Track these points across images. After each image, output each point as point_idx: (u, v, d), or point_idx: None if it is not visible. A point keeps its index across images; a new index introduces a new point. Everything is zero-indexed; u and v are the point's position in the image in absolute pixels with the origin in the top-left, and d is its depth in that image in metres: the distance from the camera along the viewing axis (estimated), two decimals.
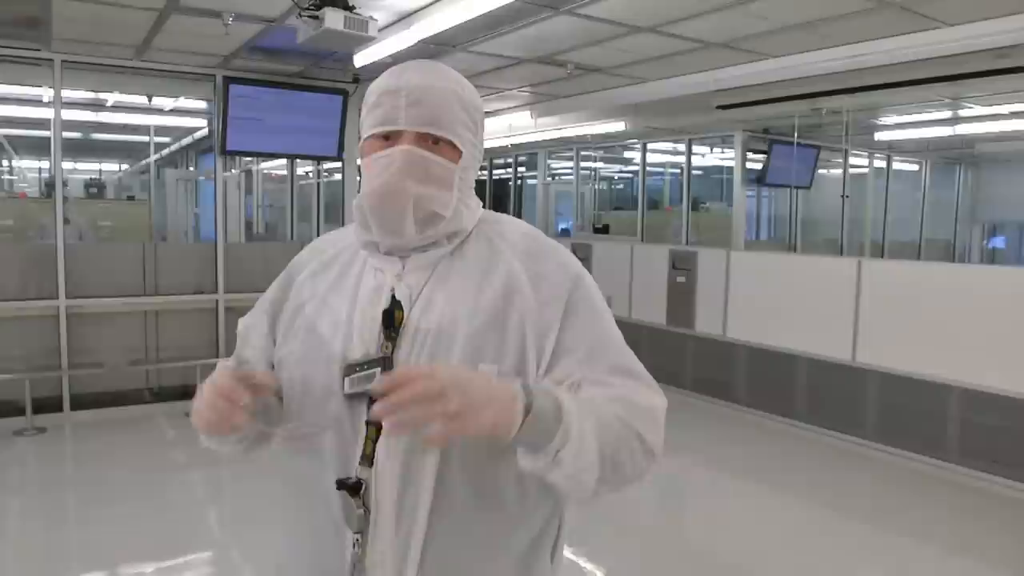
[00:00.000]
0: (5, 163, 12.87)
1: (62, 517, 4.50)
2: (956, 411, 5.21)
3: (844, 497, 4.97)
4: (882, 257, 10.31)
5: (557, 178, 12.84)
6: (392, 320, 1.20)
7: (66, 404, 6.05)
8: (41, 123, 6.78)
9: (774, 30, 4.79)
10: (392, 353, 1.19)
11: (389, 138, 1.21)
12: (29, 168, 12.91)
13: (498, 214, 1.36)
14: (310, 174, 8.88)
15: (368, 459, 1.16)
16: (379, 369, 1.16)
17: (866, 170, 11.27)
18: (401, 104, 1.19)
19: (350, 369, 1.19)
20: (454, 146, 1.22)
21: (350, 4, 3.66)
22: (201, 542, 4.19)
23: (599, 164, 12.33)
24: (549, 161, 12.34)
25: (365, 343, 1.21)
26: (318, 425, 1.22)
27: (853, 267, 5.92)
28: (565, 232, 11.92)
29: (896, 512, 4.71)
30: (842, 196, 10.18)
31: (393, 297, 1.23)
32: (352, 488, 1.16)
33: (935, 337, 5.31)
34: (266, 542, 3.86)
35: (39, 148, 10.09)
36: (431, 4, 4.39)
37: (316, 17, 3.63)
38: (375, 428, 1.16)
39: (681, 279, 7.41)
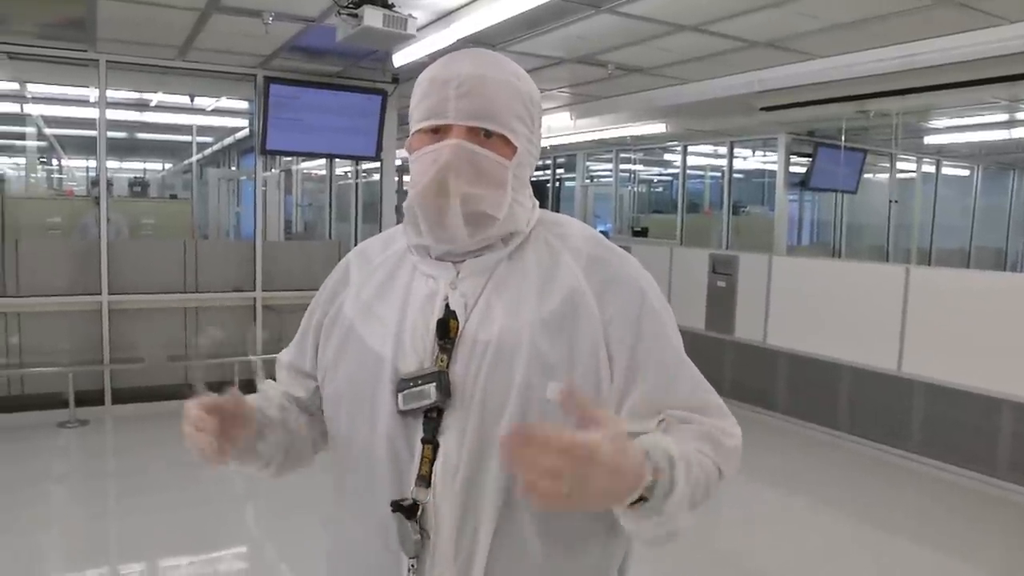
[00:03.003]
0: (55, 162, 13.17)
1: (103, 507, 4.60)
2: (1007, 425, 5.02)
3: (886, 512, 4.82)
4: (929, 264, 10.04)
5: (595, 180, 12.75)
6: (447, 331, 1.12)
7: (107, 398, 6.14)
8: (88, 123, 6.89)
9: (823, 29, 4.66)
10: (448, 366, 1.11)
11: (438, 132, 1.12)
12: (77, 167, 13.19)
13: (557, 215, 1.27)
14: (349, 174, 8.91)
15: (425, 480, 1.09)
16: (434, 384, 1.09)
17: (914, 175, 10.99)
18: (450, 95, 1.10)
19: (403, 384, 1.11)
20: (508, 141, 1.13)
21: (389, 2, 3.64)
22: (237, 536, 4.25)
23: (638, 166, 12.21)
24: (587, 163, 12.25)
25: (419, 356, 1.13)
26: (369, 444, 1.15)
27: (901, 274, 5.75)
28: (603, 235, 11.80)
29: (942, 529, 4.55)
30: (890, 201, 9.93)
31: (447, 306, 1.14)
32: (408, 510, 1.08)
33: (985, 348, 5.12)
34: (301, 538, 3.88)
35: (87, 148, 10.29)
36: (471, 2, 4.35)
37: (355, 15, 3.61)
38: (432, 447, 1.09)
39: (721, 284, 7.28)
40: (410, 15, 3.67)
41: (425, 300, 1.16)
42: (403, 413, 1.10)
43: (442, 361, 1.11)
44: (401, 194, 8.27)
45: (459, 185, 1.09)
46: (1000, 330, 5.06)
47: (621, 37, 5.09)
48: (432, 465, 1.09)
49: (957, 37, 4.64)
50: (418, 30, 3.85)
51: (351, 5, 3.67)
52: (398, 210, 7.30)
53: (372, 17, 3.53)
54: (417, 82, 1.17)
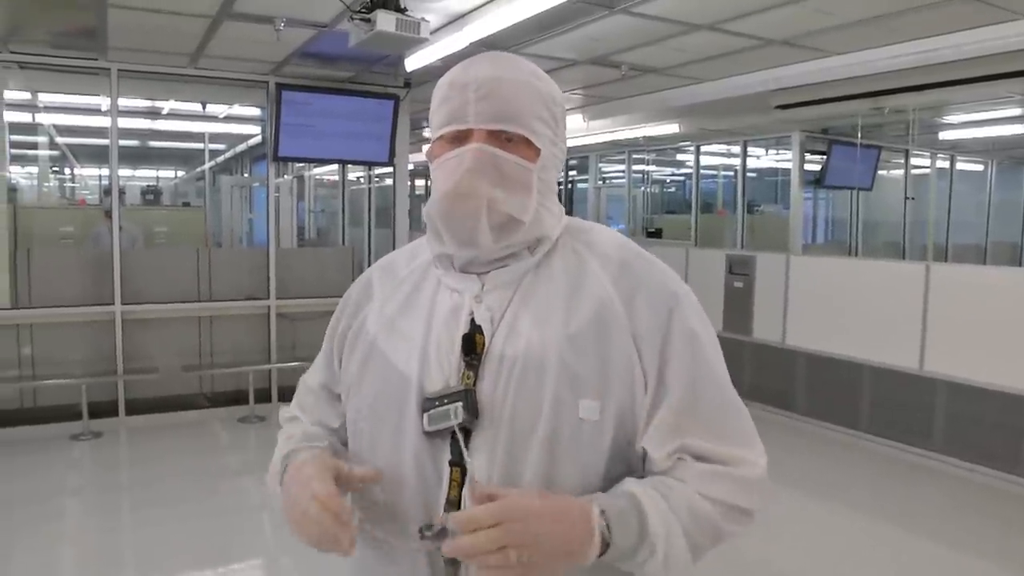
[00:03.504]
0: (67, 171, 13.22)
1: (118, 520, 4.55)
2: None
3: (908, 512, 4.75)
4: (945, 260, 9.93)
5: (608, 182, 12.69)
6: (473, 346, 1.07)
7: (121, 409, 6.11)
8: (100, 132, 6.90)
9: (839, 26, 4.60)
10: (475, 384, 1.06)
11: (459, 138, 1.08)
12: (90, 176, 13.24)
13: (586, 221, 1.22)
14: (361, 179, 8.89)
15: (454, 504, 1.04)
16: (461, 404, 1.04)
17: (928, 171, 10.89)
18: (470, 99, 1.07)
19: (429, 403, 1.06)
20: (530, 144, 1.09)
21: (402, 6, 3.61)
22: (254, 548, 4.19)
23: (651, 167, 12.15)
24: (600, 164, 12.20)
25: (444, 373, 1.08)
26: (394, 465, 1.10)
27: (921, 272, 5.67)
28: None
29: (965, 528, 4.48)
30: (906, 198, 9.84)
31: (472, 320, 1.10)
32: (437, 536, 1.02)
33: (1008, 345, 5.04)
34: (319, 551, 3.82)
35: (100, 156, 10.33)
36: (484, 5, 4.31)
37: (368, 20, 3.58)
38: (460, 469, 1.04)
39: (739, 284, 7.22)
40: (423, 19, 3.63)
41: (450, 314, 1.12)
42: (429, 434, 1.06)
43: (468, 378, 1.06)
44: (415, 199, 8.25)
45: (484, 189, 1.05)
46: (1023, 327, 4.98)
47: (635, 37, 5.05)
48: (461, 488, 1.04)
49: (972, 32, 4.60)
50: (431, 34, 3.82)
51: (363, 10, 3.63)
52: (411, 215, 7.27)
53: (385, 22, 3.49)
54: (436, 88, 1.13)
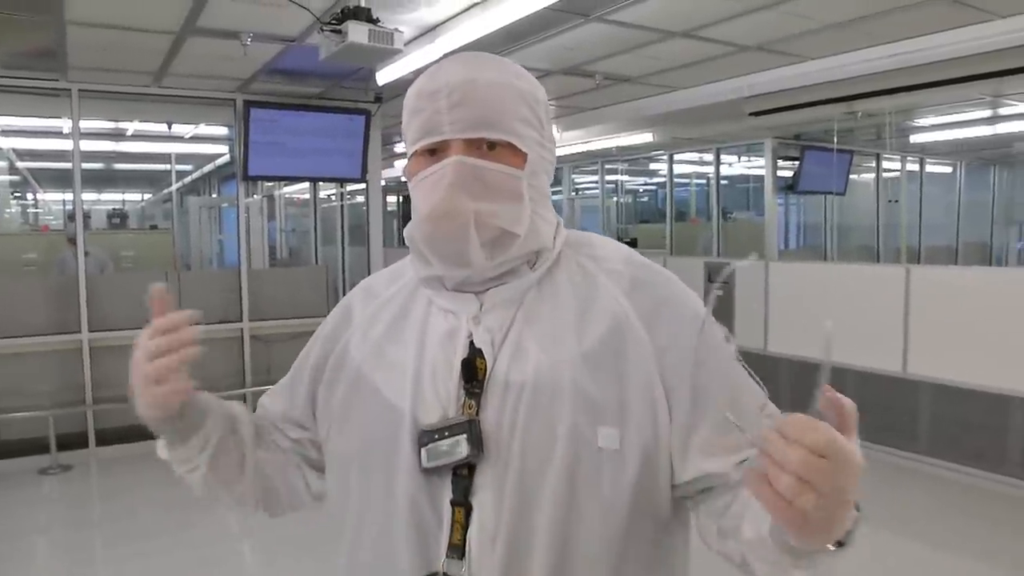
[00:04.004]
0: (30, 197, 12.94)
1: (91, 557, 4.38)
2: (1017, 423, 4.93)
3: (897, 515, 4.69)
4: (919, 262, 10.00)
5: (581, 192, 12.67)
6: (474, 372, 0.96)
7: (91, 440, 5.91)
8: (63, 155, 6.70)
9: (815, 30, 4.57)
10: (478, 414, 0.95)
11: (435, 152, 0.97)
12: (54, 201, 12.97)
13: (586, 233, 1.12)
14: (332, 197, 8.77)
15: (458, 549, 0.92)
16: (464, 436, 0.92)
17: (898, 174, 10.99)
18: (442, 107, 0.96)
19: (426, 437, 0.95)
20: (516, 149, 0.98)
21: (374, 17, 3.50)
22: None
23: (624, 177, 12.15)
24: (572, 175, 12.17)
25: (441, 403, 0.97)
26: (387, 509, 0.98)
27: (901, 274, 5.66)
28: None
29: (953, 529, 4.45)
30: (889, 201, 9.92)
31: (471, 343, 0.98)
32: None
33: (991, 345, 5.02)
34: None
35: (63, 180, 10.10)
36: (456, 15, 4.23)
37: (339, 31, 3.47)
38: (464, 510, 0.92)
39: (719, 292, 7.16)
40: (396, 30, 3.54)
41: (445, 338, 1.01)
42: (427, 471, 0.94)
43: (470, 408, 0.95)
44: (387, 215, 8.13)
45: (468, 205, 0.95)
46: (1005, 326, 4.97)
47: (610, 46, 4.99)
48: (465, 532, 0.92)
49: (947, 34, 4.61)
50: (404, 45, 3.72)
51: (334, 21, 3.53)
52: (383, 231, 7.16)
53: (357, 33, 3.38)
54: (406, 97, 1.02)
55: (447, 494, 0.94)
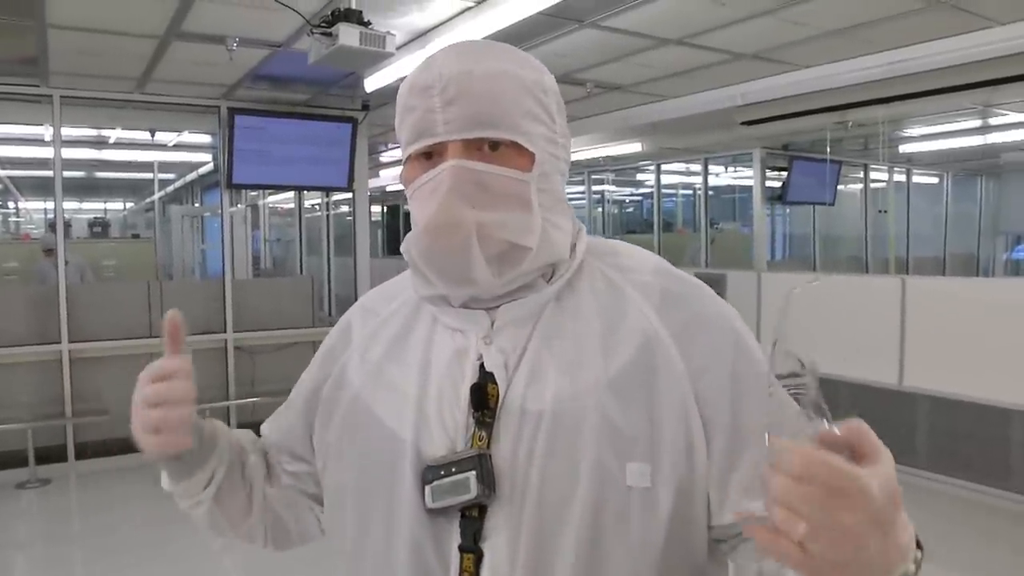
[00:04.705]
0: (11, 205, 12.78)
1: (68, 572, 4.29)
2: (1017, 436, 4.87)
3: None
4: (907, 273, 10.00)
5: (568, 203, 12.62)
6: (484, 400, 0.85)
7: (71, 453, 5.76)
8: (45, 163, 6.59)
9: (812, 37, 4.52)
10: (489, 447, 0.84)
11: (432, 156, 0.87)
12: (35, 209, 12.82)
13: (611, 241, 1.00)
14: (317, 207, 8.67)
15: None
16: (473, 473, 0.82)
17: (885, 184, 11.01)
18: (436, 105, 0.85)
19: (431, 473, 0.84)
20: (521, 148, 0.87)
21: (365, 20, 3.42)
22: None
23: (610, 187, 12.11)
24: None
25: (448, 434, 0.86)
26: (386, 553, 0.88)
27: (897, 285, 5.61)
28: None
29: (953, 545, 4.35)
30: (879, 211, 9.91)
31: (482, 366, 0.87)
32: None
33: (989, 358, 4.96)
34: None
35: (45, 189, 9.97)
36: (447, 20, 4.16)
37: (329, 34, 3.38)
38: (474, 557, 0.82)
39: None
40: (388, 32, 3.45)
41: (452, 360, 0.90)
42: (432, 512, 0.84)
43: (481, 440, 0.84)
44: (372, 224, 8.03)
45: (468, 216, 0.84)
46: (1002, 338, 4.91)
47: (602, 53, 4.92)
48: None
49: (942, 43, 4.56)
50: (396, 49, 3.64)
51: (324, 24, 3.44)
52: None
53: (348, 36, 3.28)
54: (398, 95, 0.90)
55: (455, 538, 0.84)
